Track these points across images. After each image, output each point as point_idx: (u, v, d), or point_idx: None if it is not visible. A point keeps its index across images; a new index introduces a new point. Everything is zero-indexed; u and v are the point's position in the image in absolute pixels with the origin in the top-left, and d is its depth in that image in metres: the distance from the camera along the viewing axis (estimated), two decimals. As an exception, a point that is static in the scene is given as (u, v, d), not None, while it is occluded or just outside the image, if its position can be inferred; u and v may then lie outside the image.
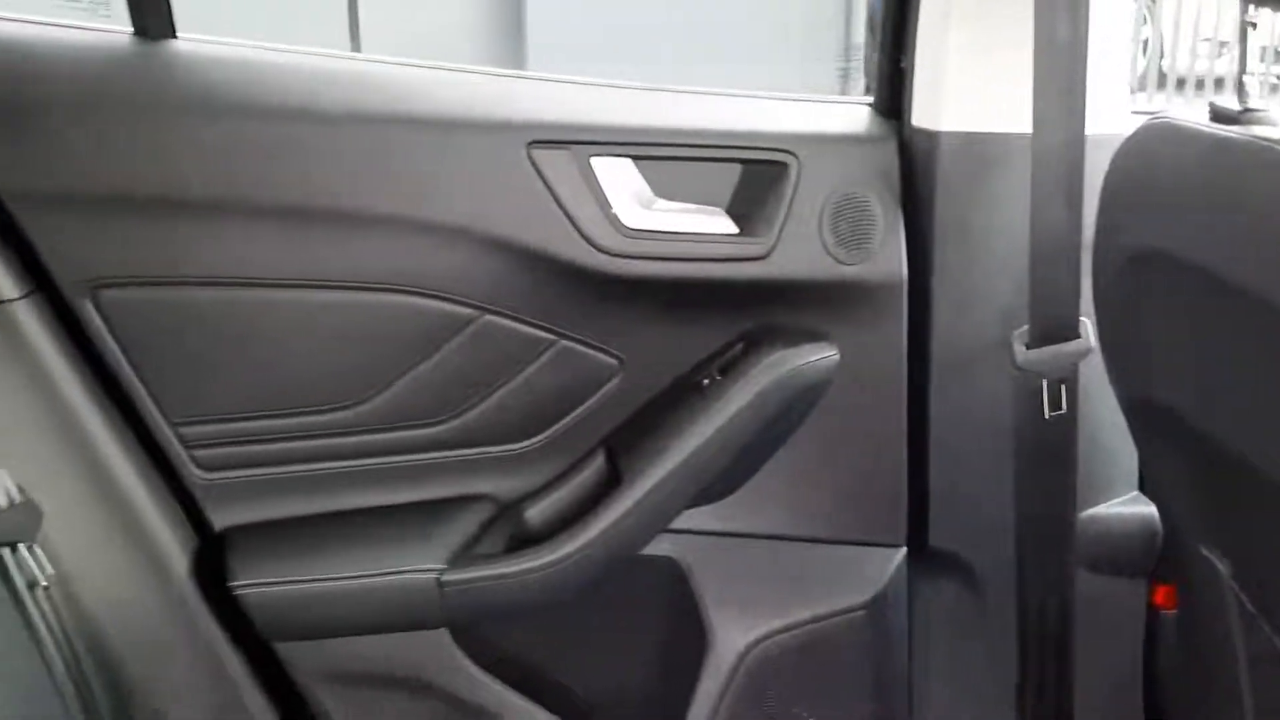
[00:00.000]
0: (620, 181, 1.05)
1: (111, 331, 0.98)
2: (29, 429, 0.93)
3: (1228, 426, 0.82)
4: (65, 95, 0.96)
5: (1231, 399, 0.81)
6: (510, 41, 5.72)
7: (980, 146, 1.07)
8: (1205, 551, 0.95)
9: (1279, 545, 0.86)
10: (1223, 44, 5.63)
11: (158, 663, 1.00)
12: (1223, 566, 0.94)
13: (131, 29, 0.99)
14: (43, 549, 0.86)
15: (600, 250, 1.04)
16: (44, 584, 0.85)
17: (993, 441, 1.13)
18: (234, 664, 1.04)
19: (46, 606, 0.87)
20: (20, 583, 0.84)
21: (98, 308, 0.97)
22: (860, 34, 6.26)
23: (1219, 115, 0.86)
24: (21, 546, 0.84)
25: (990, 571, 1.18)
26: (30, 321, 0.94)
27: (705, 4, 5.59)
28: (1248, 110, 0.85)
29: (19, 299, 0.93)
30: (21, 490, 0.85)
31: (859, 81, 5.96)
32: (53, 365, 0.95)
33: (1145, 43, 5.85)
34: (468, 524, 1.09)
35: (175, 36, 1.00)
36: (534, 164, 1.02)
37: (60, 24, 0.99)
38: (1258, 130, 0.80)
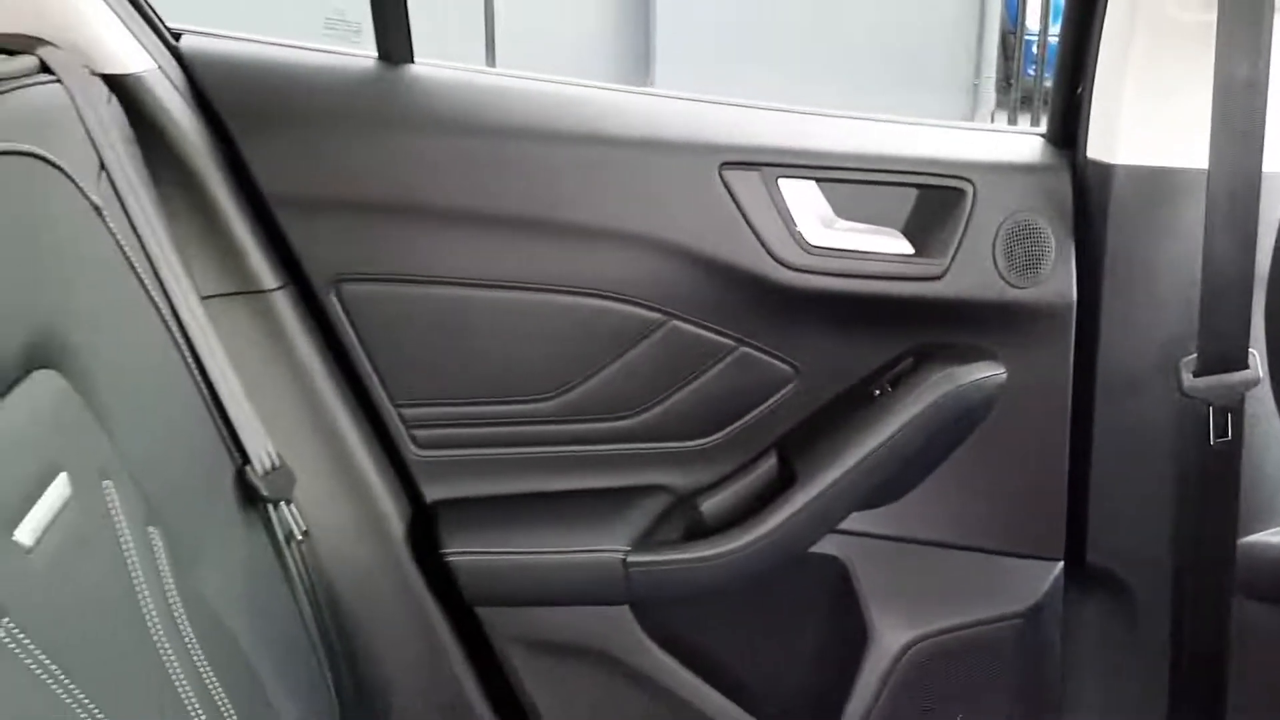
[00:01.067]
0: (804, 202, 1.13)
1: (350, 321, 1.11)
2: (282, 403, 1.05)
3: None
4: (319, 111, 1.09)
5: None
6: (640, 65, 5.85)
7: (1154, 180, 1.10)
8: None
9: None
10: None
11: (377, 615, 1.12)
12: None
13: (376, 54, 1.11)
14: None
15: (783, 265, 1.12)
16: (299, 538, 0.97)
17: (1155, 465, 1.16)
18: (440, 623, 1.15)
19: (298, 558, 0.99)
20: (280, 535, 0.96)
21: (340, 300, 1.10)
22: (989, 63, 6.21)
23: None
24: (282, 504, 0.96)
25: (1146, 591, 1.20)
26: (285, 310, 1.07)
27: (834, 23, 5.63)
28: None
29: (276, 289, 1.06)
30: (279, 455, 0.97)
31: (987, 107, 5.92)
32: (301, 348, 1.08)
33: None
34: (648, 512, 1.18)
35: (413, 61, 1.12)
36: (725, 184, 1.11)
37: (318, 49, 1.13)
38: None
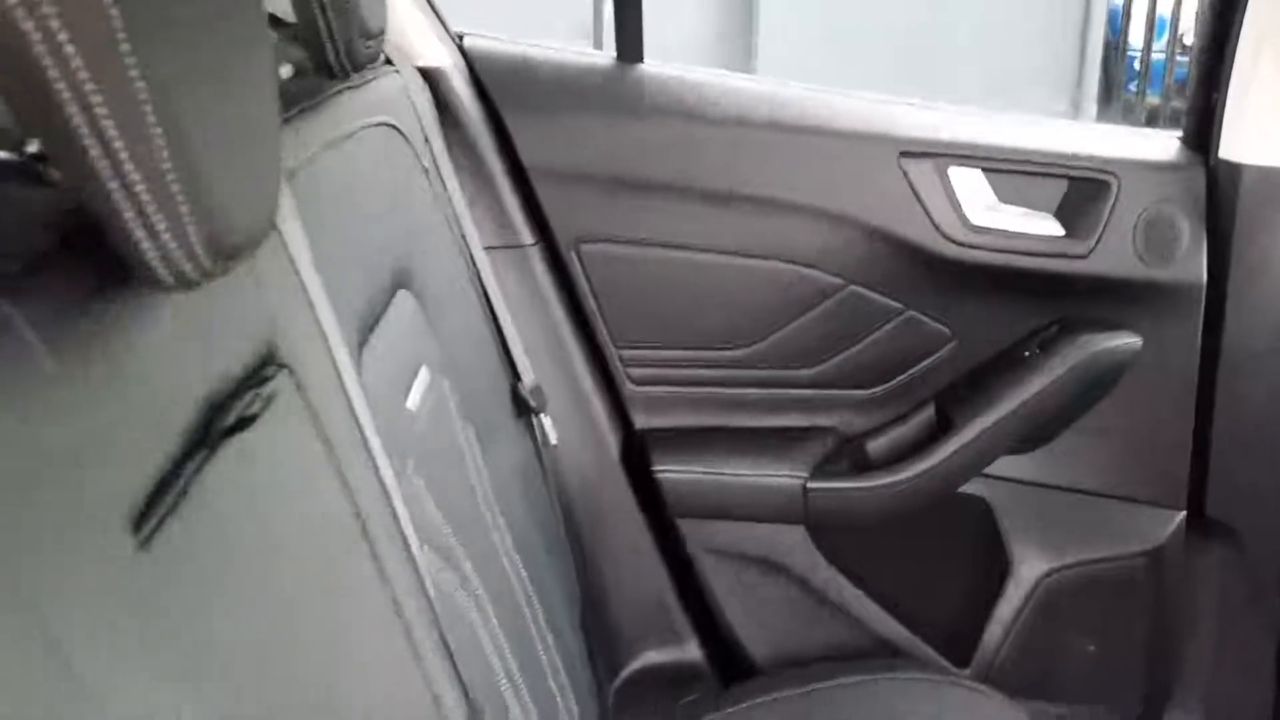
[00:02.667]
0: (971, 187, 1.32)
1: (586, 275, 1.33)
2: (533, 338, 1.28)
3: None
4: (569, 99, 1.31)
5: None
6: (742, 58, 5.99)
7: (1278, 178, 1.27)
8: None
9: None
10: None
11: (596, 521, 1.34)
12: None
13: (615, 55, 1.34)
14: (543, 423, 1.21)
15: (950, 241, 1.31)
16: (554, 444, 1.20)
17: (1271, 430, 1.32)
18: (645, 532, 1.37)
19: (549, 463, 1.21)
20: (540, 441, 1.19)
21: (579, 257, 1.32)
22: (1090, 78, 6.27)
23: None
24: (542, 415, 1.18)
25: (1260, 546, 1.34)
26: (537, 263, 1.30)
27: (936, 34, 5.72)
28: None
29: (532, 245, 1.29)
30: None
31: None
32: (548, 296, 1.31)
33: None
34: (822, 449, 1.37)
35: (643, 61, 1.34)
36: (903, 170, 1.30)
37: (569, 49, 1.35)
38: None
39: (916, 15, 5.80)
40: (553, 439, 1.19)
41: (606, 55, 1.34)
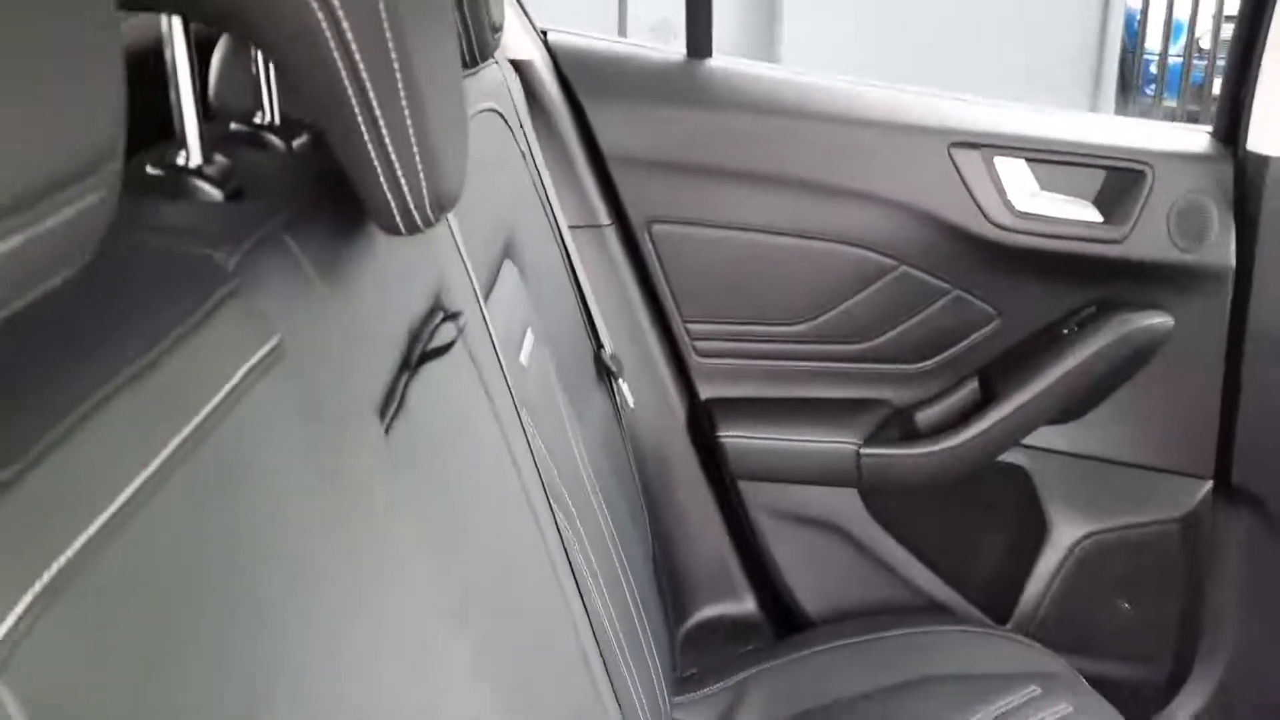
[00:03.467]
0: (1016, 176, 1.42)
1: (657, 254, 1.43)
2: (611, 311, 1.38)
3: None
4: (644, 90, 1.42)
5: None
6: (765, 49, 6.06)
7: None
8: None
9: None
10: None
11: (664, 482, 1.45)
12: None
13: (686, 51, 1.44)
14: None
15: (996, 226, 1.40)
16: (631, 407, 1.30)
17: None
18: (707, 493, 1.47)
19: (626, 425, 1.32)
20: (620, 404, 1.29)
21: (650, 237, 1.43)
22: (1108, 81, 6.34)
23: None
24: (621, 380, 1.29)
25: None
26: (613, 242, 1.41)
27: (954, 37, 5.80)
28: None
29: (608, 225, 1.40)
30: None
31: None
32: (623, 272, 1.41)
33: None
34: (874, 418, 1.47)
35: (711, 56, 1.44)
36: (952, 160, 1.40)
37: (644, 45, 1.46)
38: None
39: (939, 13, 5.88)
40: (630, 403, 1.29)
41: (678, 51, 1.44)
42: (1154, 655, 1.50)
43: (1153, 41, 6.67)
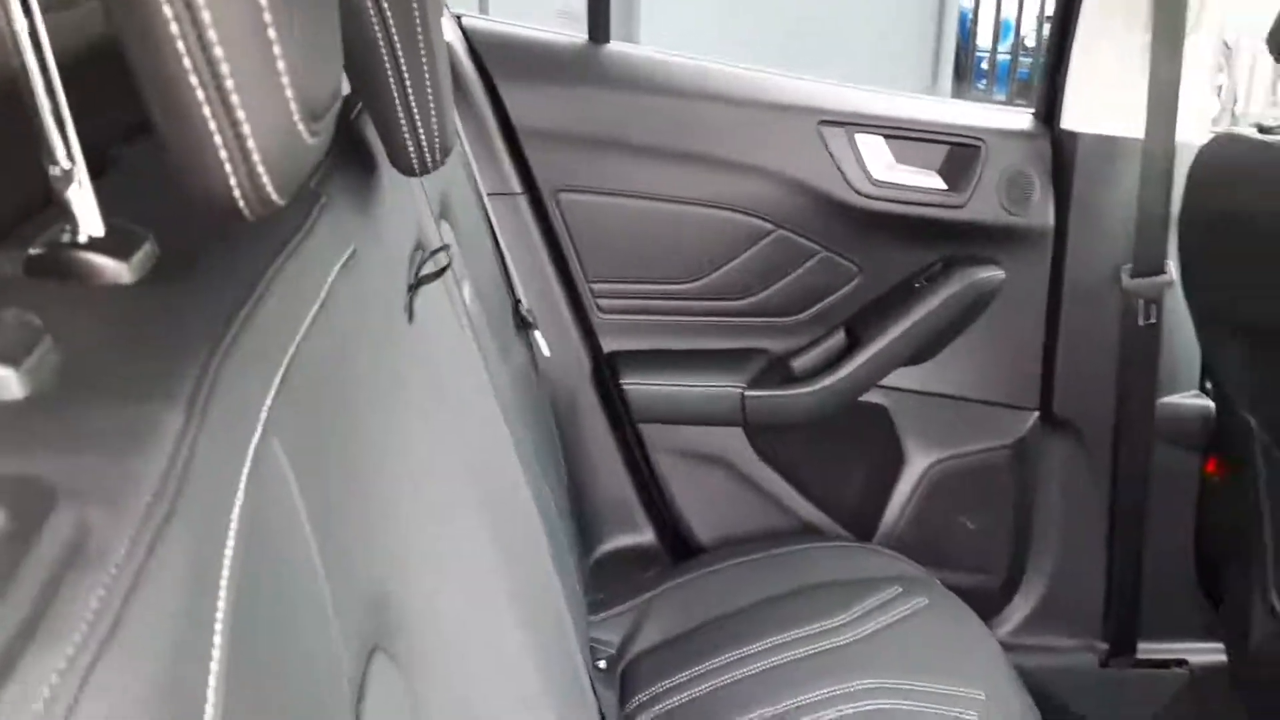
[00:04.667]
0: (874, 150, 1.62)
1: (563, 219, 1.59)
2: (523, 271, 1.52)
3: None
4: (549, 71, 1.57)
5: None
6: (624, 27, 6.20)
7: (1107, 145, 1.58)
8: (1245, 414, 1.48)
9: None
10: None
11: (572, 427, 1.61)
12: (1255, 420, 1.46)
13: (588, 36, 1.60)
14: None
15: (858, 193, 1.61)
16: (546, 354, 1.45)
17: (1103, 342, 1.64)
18: (609, 435, 1.64)
19: (542, 373, 1.47)
20: (537, 353, 1.44)
21: (557, 204, 1.58)
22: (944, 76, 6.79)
23: (1262, 129, 1.41)
24: (536, 332, 1.44)
25: (1095, 437, 1.68)
26: (525, 208, 1.55)
27: (795, 36, 6.09)
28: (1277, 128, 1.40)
29: (520, 194, 1.55)
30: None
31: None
32: (533, 236, 1.56)
33: (1220, 88, 6.42)
34: (757, 365, 1.66)
35: (610, 41, 1.61)
36: (820, 135, 1.60)
37: (548, 30, 1.61)
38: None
39: (787, 10, 6.16)
40: (545, 352, 1.44)
41: (580, 35, 1.60)
42: (992, 565, 1.74)
43: (984, 40, 7.18)
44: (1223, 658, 1.64)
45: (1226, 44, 6.47)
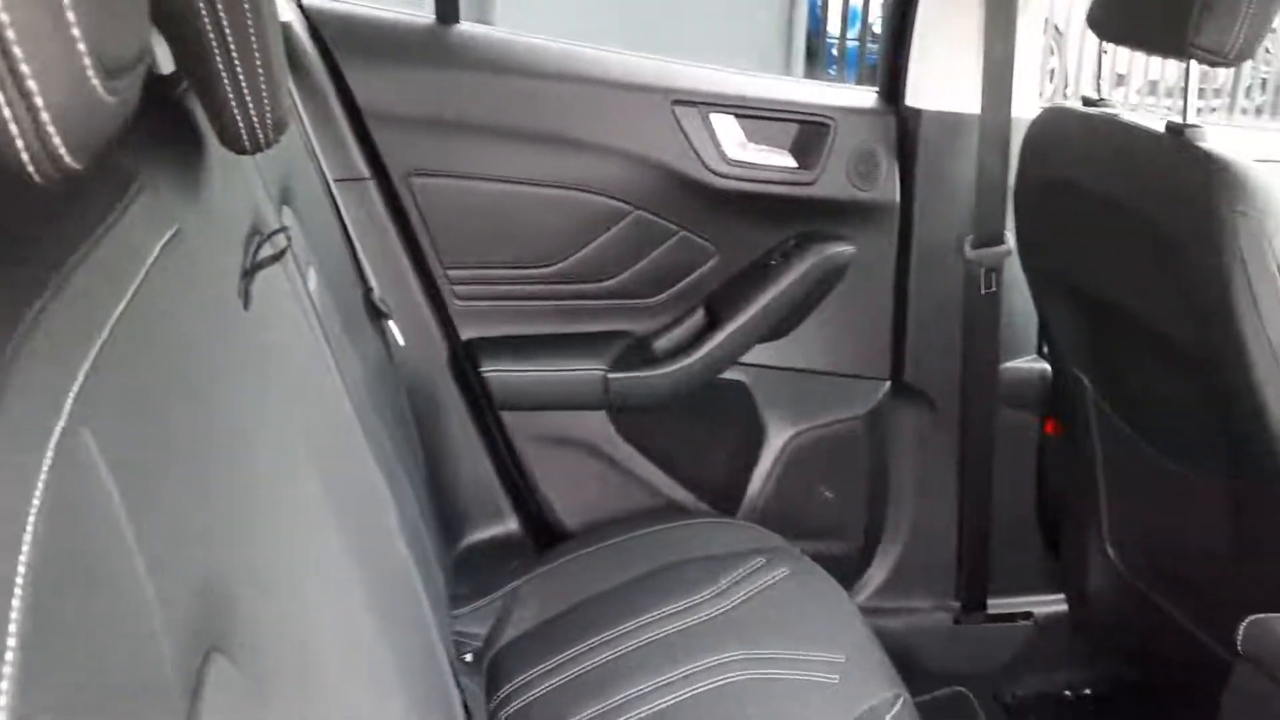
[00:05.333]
0: (728, 130, 1.64)
1: (416, 204, 1.55)
2: (375, 258, 1.48)
3: (1104, 284, 1.38)
4: (397, 51, 1.53)
5: (1112, 267, 1.34)
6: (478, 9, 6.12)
7: (947, 121, 1.64)
8: (1078, 373, 1.56)
9: (1125, 360, 1.46)
10: (1120, 76, 6.59)
11: (432, 417, 1.57)
12: (1087, 378, 1.55)
13: (435, 16, 1.56)
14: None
15: (712, 172, 1.62)
16: (401, 344, 1.41)
17: (948, 311, 1.71)
18: (470, 423, 1.61)
19: (397, 363, 1.43)
20: (391, 343, 1.40)
21: (409, 188, 1.54)
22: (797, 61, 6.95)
23: (1087, 102, 1.48)
24: (389, 321, 1.40)
25: (943, 402, 1.75)
26: (374, 194, 1.51)
27: (648, 22, 6.12)
28: (1101, 100, 1.47)
29: (369, 179, 1.50)
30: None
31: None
32: (385, 223, 1.52)
33: (1052, 72, 6.79)
34: (618, 348, 1.66)
35: (459, 22, 1.58)
36: (675, 116, 1.61)
37: (394, 11, 1.57)
38: (1106, 111, 1.43)
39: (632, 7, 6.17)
40: (400, 341, 1.41)
41: (428, 15, 1.57)
42: (851, 532, 1.79)
43: (834, 27, 7.38)
44: (1065, 607, 1.72)
45: (1058, 29, 6.82)
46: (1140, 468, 1.43)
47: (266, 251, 0.79)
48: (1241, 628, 1.07)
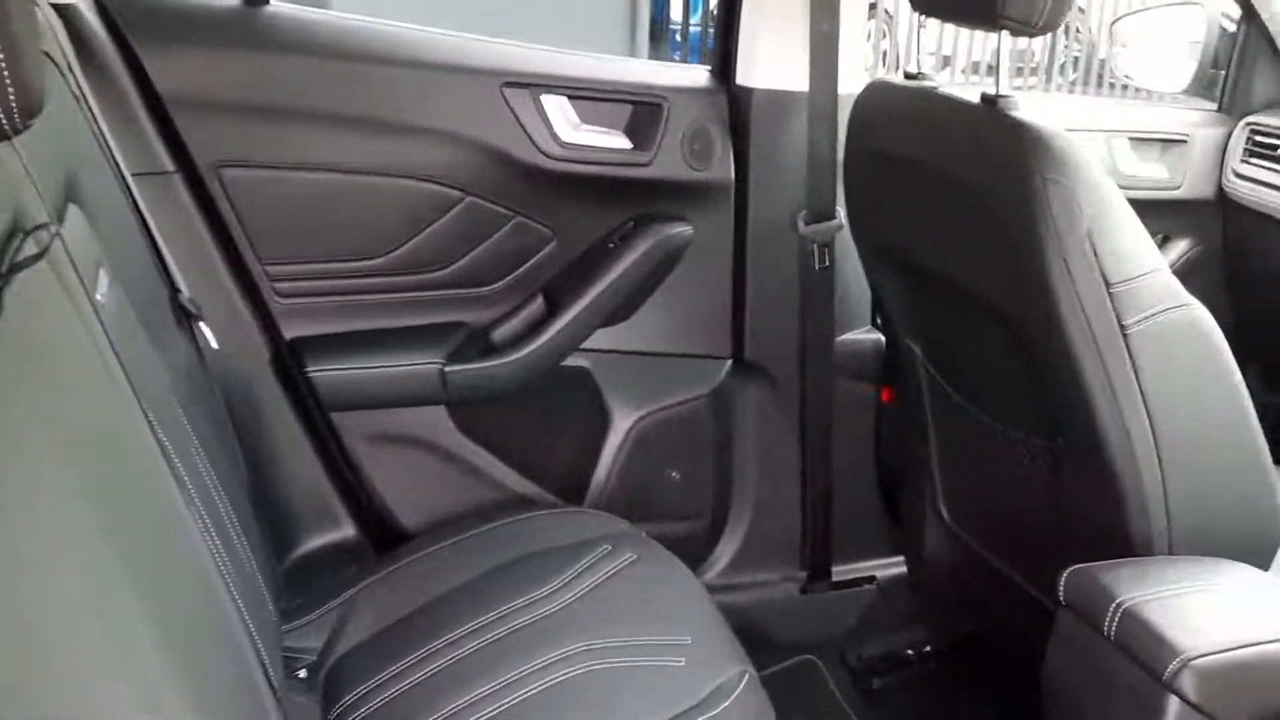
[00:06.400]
0: (560, 112, 1.60)
1: (228, 198, 1.46)
2: (184, 257, 1.38)
3: (929, 254, 1.40)
4: (203, 36, 1.44)
5: (935, 237, 1.37)
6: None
7: (777, 99, 1.65)
8: (909, 342, 1.59)
9: (951, 328, 1.50)
10: (946, 58, 6.86)
11: (254, 419, 1.49)
12: (917, 347, 1.58)
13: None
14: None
15: (545, 155, 1.58)
16: (215, 348, 1.32)
17: (785, 287, 1.72)
18: (297, 425, 1.53)
19: (211, 367, 1.34)
20: (203, 345, 1.31)
21: (220, 182, 1.45)
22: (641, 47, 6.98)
23: (908, 76, 1.51)
24: (200, 322, 1.31)
25: (783, 377, 1.76)
26: (180, 188, 1.41)
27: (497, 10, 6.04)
28: (920, 75, 1.50)
29: (173, 172, 1.41)
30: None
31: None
32: (193, 218, 1.43)
33: (885, 54, 7.02)
34: (455, 339, 1.61)
35: (268, 3, 1.49)
36: (505, 98, 1.56)
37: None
38: (926, 84, 1.46)
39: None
40: (213, 344, 1.32)
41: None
42: (699, 511, 1.80)
43: (677, 13, 7.47)
44: (905, 569, 1.77)
45: (888, 12, 7.03)
46: (968, 431, 1.47)
47: (30, 250, 0.72)
48: (1063, 578, 1.10)
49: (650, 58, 7.22)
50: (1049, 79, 7.40)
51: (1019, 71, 7.20)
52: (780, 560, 1.82)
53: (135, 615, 0.64)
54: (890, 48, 7.08)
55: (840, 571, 1.83)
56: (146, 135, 1.38)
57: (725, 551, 1.80)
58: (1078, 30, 7.54)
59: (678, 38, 7.51)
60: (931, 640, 1.80)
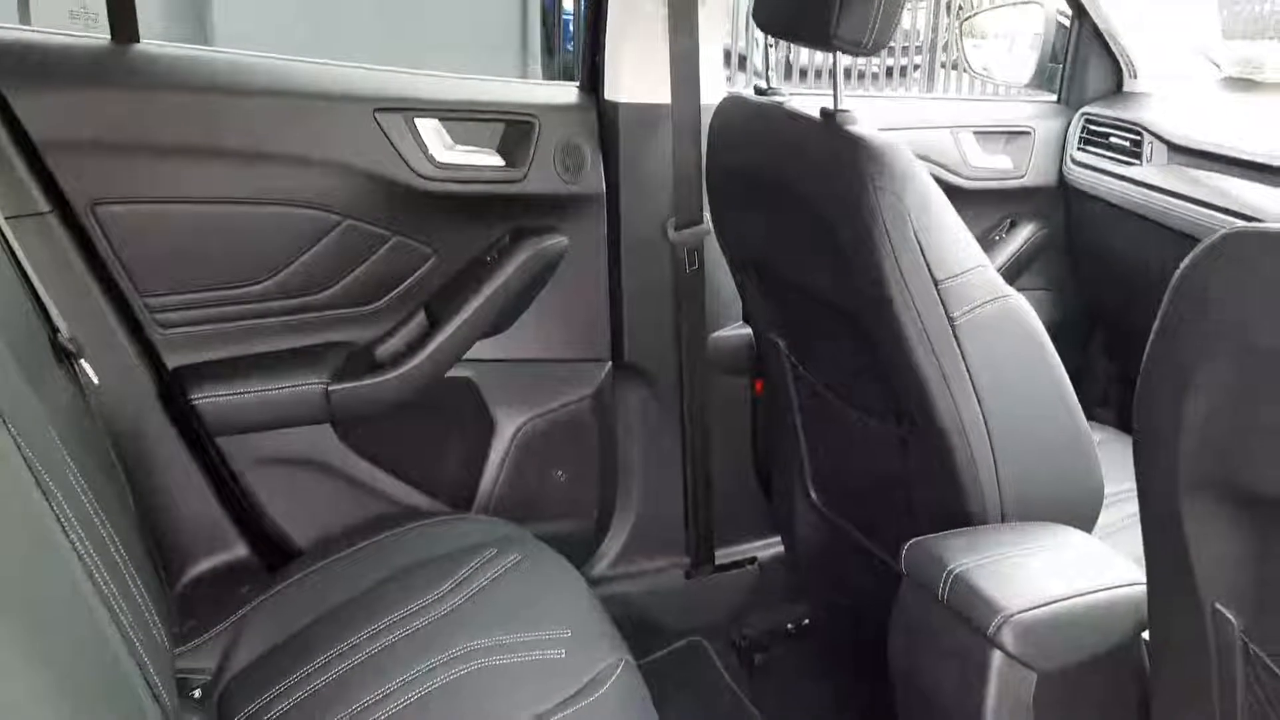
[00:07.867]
0: (434, 133, 1.65)
1: (105, 236, 1.48)
2: (63, 296, 1.39)
3: (782, 261, 1.49)
4: (72, 76, 1.45)
5: (784, 246, 1.46)
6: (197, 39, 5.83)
7: (643, 112, 1.73)
8: (773, 337, 1.69)
9: (807, 327, 1.59)
10: (803, 71, 7.07)
11: (141, 452, 1.52)
12: (782, 342, 1.68)
13: (110, 37, 1.50)
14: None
15: (420, 176, 1.64)
16: (96, 384, 1.34)
17: (659, 291, 1.81)
18: (184, 453, 1.56)
19: (94, 405, 1.36)
20: (85, 383, 1.34)
21: (95, 218, 1.48)
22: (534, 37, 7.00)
23: (758, 91, 1.60)
24: (82, 361, 1.33)
25: (661, 376, 1.85)
26: (57, 227, 1.44)
27: (394, 14, 6.00)
28: (771, 90, 1.59)
29: (49, 212, 1.43)
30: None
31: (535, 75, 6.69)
32: (71, 257, 1.45)
33: (755, 69, 7.17)
34: (339, 359, 1.65)
35: (138, 41, 1.52)
36: (378, 122, 1.61)
37: (67, 34, 1.49)
38: (775, 99, 1.55)
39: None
40: (95, 380, 1.34)
41: (103, 36, 1.50)
42: (585, 510, 1.87)
43: (568, 4, 7.47)
44: (783, 549, 1.88)
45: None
46: (830, 419, 1.58)
47: None
48: (904, 550, 1.20)
49: (543, 48, 7.23)
50: (934, 53, 7.65)
51: (905, 50, 7.45)
52: (666, 549, 1.91)
53: (2, 642, 0.68)
54: (759, 62, 7.24)
55: (723, 555, 1.93)
56: (19, 176, 1.40)
57: (613, 545, 1.88)
58: (960, 8, 7.78)
59: (571, 29, 7.52)
60: (810, 614, 1.91)
